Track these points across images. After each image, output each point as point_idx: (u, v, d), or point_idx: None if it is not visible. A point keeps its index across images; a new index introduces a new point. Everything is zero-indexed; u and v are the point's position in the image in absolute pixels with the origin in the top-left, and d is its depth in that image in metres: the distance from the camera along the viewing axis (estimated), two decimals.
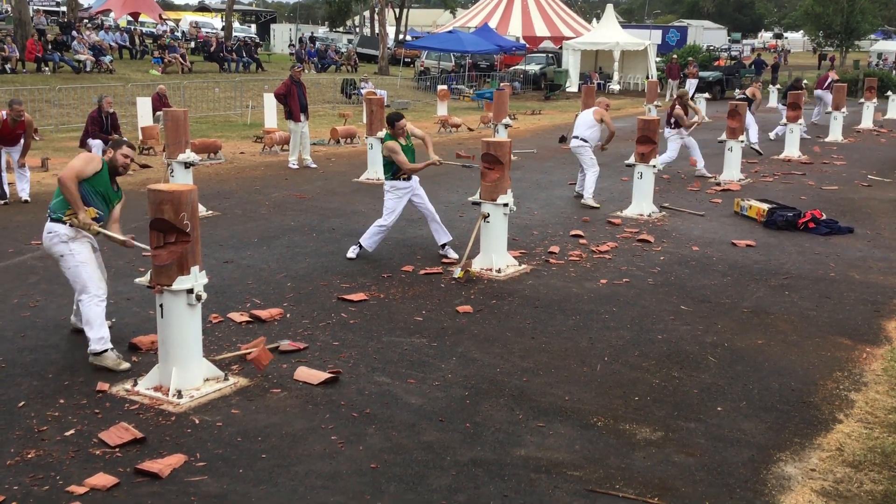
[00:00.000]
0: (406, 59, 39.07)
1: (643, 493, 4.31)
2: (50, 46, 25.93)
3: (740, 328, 6.87)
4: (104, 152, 6.09)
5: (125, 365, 5.71)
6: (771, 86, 31.51)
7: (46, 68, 24.82)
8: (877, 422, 5.24)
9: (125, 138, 7.06)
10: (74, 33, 27.59)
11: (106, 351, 5.71)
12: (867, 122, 22.81)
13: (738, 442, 4.91)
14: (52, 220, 5.78)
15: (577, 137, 11.83)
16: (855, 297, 7.77)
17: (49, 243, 5.79)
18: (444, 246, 8.78)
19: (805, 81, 24.48)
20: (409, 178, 8.60)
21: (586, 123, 11.75)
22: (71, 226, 5.74)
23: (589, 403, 5.37)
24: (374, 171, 13.70)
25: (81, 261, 5.73)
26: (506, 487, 4.34)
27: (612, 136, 11.97)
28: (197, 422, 4.97)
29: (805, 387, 5.74)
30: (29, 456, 4.55)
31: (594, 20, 48.26)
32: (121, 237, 5.87)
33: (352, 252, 8.71)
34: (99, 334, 5.69)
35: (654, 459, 4.67)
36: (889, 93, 27.39)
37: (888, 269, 8.76)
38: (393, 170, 8.54)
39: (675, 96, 15.38)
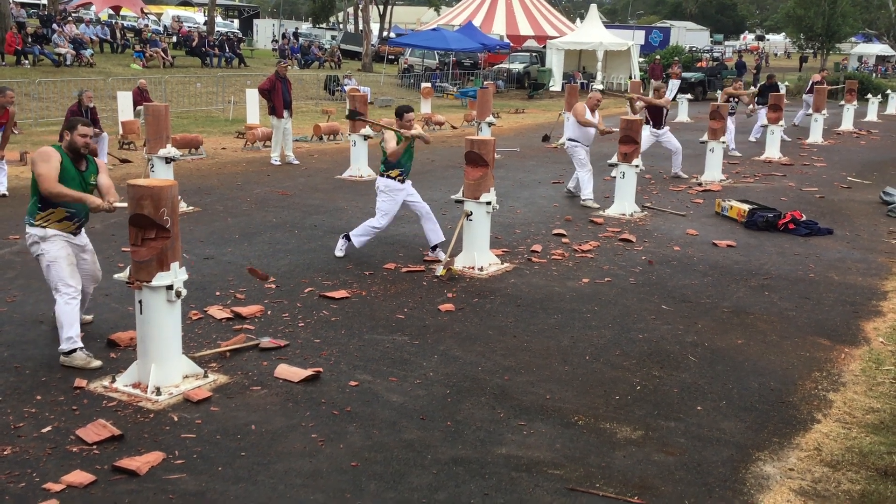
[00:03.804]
0: (390, 57, 39.00)
1: (623, 492, 4.32)
2: (30, 39, 25.64)
3: (720, 328, 6.91)
4: (61, 138, 5.86)
5: (96, 363, 5.64)
6: (752, 87, 31.74)
7: (26, 61, 24.55)
8: (854, 422, 5.29)
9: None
10: (55, 26, 27.32)
11: (74, 351, 5.63)
12: (847, 125, 23.00)
13: (718, 441, 4.93)
14: (27, 224, 5.77)
15: (569, 139, 11.99)
16: (834, 298, 7.83)
17: (28, 246, 5.83)
18: (435, 248, 8.63)
19: (786, 83, 24.67)
20: (403, 181, 8.51)
21: (571, 124, 11.87)
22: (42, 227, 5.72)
23: (570, 402, 5.38)
24: (357, 167, 13.68)
25: (51, 259, 5.69)
26: (486, 486, 4.33)
27: (596, 128, 11.69)
28: (176, 419, 4.94)
29: (784, 387, 5.77)
30: (5, 453, 4.49)
31: (578, 20, 48.40)
32: (105, 204, 5.63)
33: (339, 251, 8.59)
34: (68, 334, 5.61)
35: (634, 458, 4.69)
36: (869, 95, 27.66)
37: (867, 271, 8.84)
38: (383, 160, 8.44)
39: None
